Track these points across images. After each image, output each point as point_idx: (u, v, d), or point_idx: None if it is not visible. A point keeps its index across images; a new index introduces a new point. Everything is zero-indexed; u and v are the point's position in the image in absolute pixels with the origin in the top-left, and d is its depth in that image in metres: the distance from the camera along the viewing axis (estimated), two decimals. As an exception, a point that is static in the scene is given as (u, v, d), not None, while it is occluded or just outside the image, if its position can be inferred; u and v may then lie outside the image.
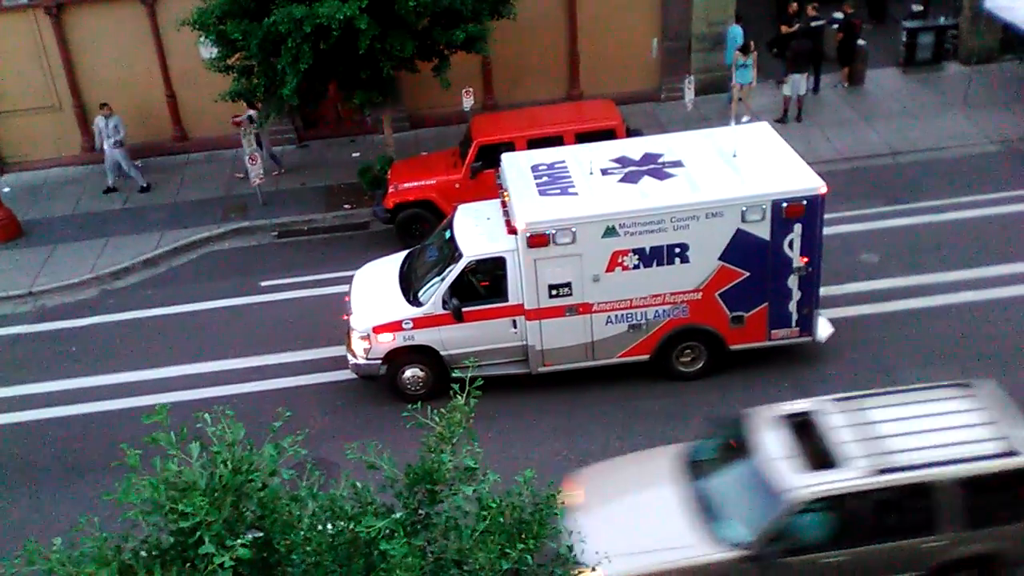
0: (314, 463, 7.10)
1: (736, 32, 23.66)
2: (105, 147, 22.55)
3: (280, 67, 18.28)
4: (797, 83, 22.93)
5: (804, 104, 23.31)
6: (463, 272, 14.77)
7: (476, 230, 15.24)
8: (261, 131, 22.34)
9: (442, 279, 14.87)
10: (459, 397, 7.05)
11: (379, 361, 15.22)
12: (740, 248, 14.39)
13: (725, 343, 15.17)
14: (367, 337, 15.08)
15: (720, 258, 14.47)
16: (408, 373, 15.31)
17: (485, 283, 14.98)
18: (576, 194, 14.65)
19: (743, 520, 10.86)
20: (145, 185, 22.93)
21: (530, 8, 21.88)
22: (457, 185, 19.10)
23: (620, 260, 14.41)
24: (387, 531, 6.45)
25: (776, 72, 24.24)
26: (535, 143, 18.04)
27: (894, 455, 10.78)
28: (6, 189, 23.43)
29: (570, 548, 7.15)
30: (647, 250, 14.36)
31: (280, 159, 23.24)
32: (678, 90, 23.80)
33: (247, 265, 20.06)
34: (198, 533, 5.90)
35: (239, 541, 5.81)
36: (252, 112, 21.87)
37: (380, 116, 21.99)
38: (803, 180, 14.47)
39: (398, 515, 6.66)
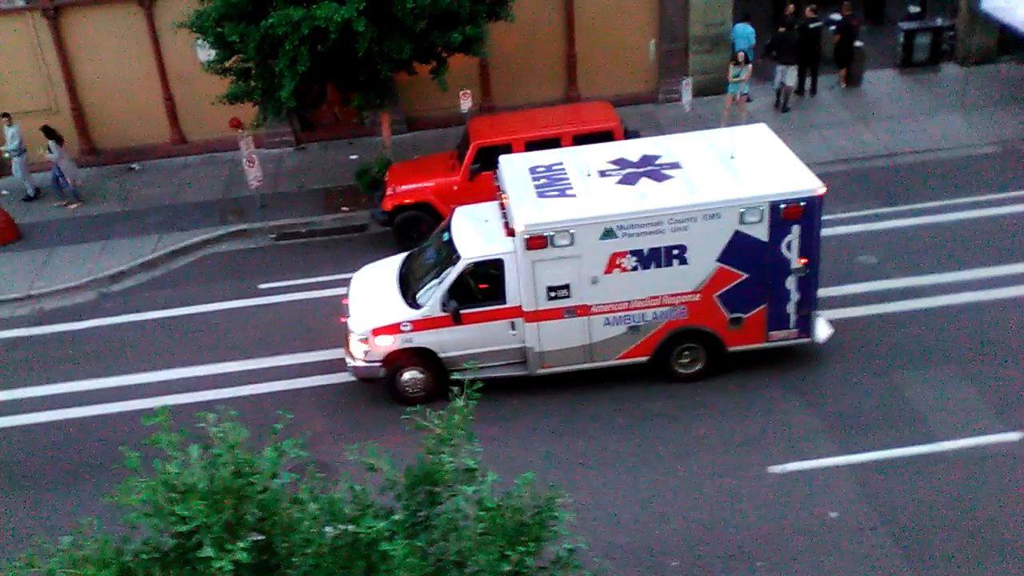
0: (314, 466, 7.09)
1: (747, 32, 23.63)
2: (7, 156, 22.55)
3: (278, 69, 18.28)
4: (784, 74, 23.42)
5: (791, 97, 23.80)
6: (461, 274, 14.76)
7: (474, 232, 15.24)
8: (60, 159, 22.23)
9: (440, 281, 14.86)
10: (458, 399, 7.03)
11: (378, 363, 15.20)
12: (738, 249, 14.38)
13: (724, 344, 15.16)
14: (366, 339, 15.07)
15: (718, 259, 14.47)
16: (407, 375, 15.29)
17: (483, 285, 14.97)
18: (574, 196, 14.65)
19: None
20: (32, 195, 22.99)
21: (528, 10, 21.89)
22: (455, 187, 19.09)
23: (618, 262, 14.41)
24: (387, 533, 6.44)
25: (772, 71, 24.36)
26: (533, 145, 18.05)
27: None
28: (4, 192, 23.40)
29: (570, 551, 7.13)
30: (645, 252, 14.36)
31: (79, 194, 22.78)
32: (676, 92, 23.84)
33: (245, 268, 20.04)
34: (195, 536, 5.89)
35: (239, 545, 5.80)
36: (52, 142, 21.89)
37: (378, 118, 22.00)
38: (801, 181, 14.47)
39: (398, 516, 6.65)
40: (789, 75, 23.54)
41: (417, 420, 7.11)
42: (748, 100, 23.07)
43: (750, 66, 22.53)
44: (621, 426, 14.73)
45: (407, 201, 19.42)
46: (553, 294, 14.57)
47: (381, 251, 18.28)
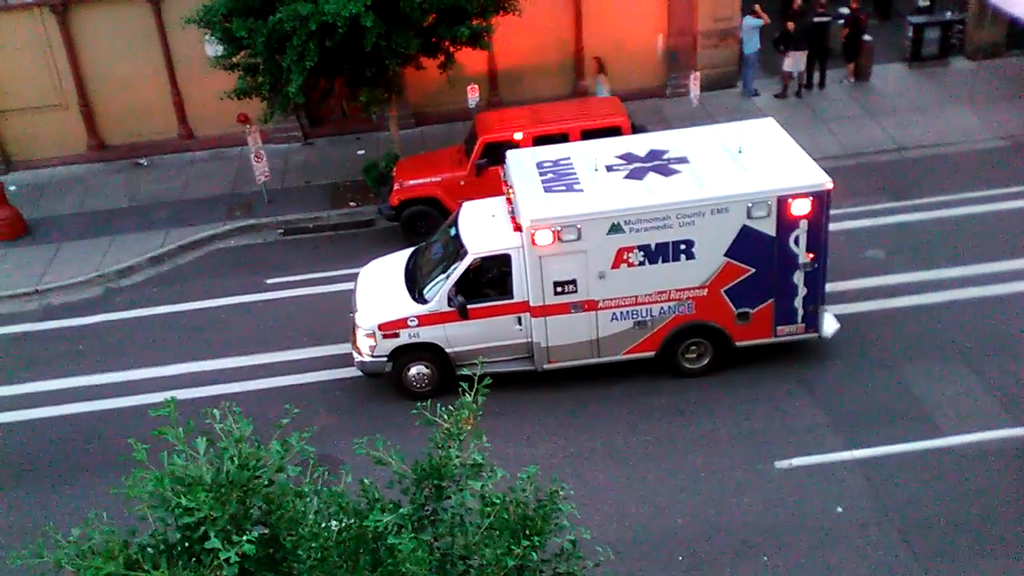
0: (320, 460, 7.11)
1: (756, 23, 23.58)
2: None
3: (285, 65, 18.30)
4: (798, 60, 23.65)
5: (803, 88, 24.19)
6: (468, 269, 14.77)
7: (481, 227, 15.24)
8: None
9: (447, 276, 14.88)
10: (467, 395, 7.05)
11: (384, 358, 15.22)
12: (746, 244, 14.37)
13: (731, 340, 15.15)
14: (372, 334, 15.09)
15: (726, 254, 14.45)
16: (413, 370, 15.32)
17: (490, 280, 14.97)
18: (581, 191, 14.65)
19: None
20: None
21: (535, 4, 21.86)
22: (462, 182, 19.09)
23: (625, 257, 14.40)
24: (394, 526, 6.45)
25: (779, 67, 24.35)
26: (540, 140, 18.05)
27: None
28: (12, 187, 23.46)
29: (573, 543, 7.14)
30: (652, 247, 14.35)
31: None
32: (683, 86, 23.81)
33: (253, 263, 20.08)
34: (203, 528, 5.91)
35: (245, 537, 5.82)
36: None
37: (385, 113, 22.01)
38: (809, 176, 14.45)
39: (405, 510, 6.66)
40: (800, 61, 23.76)
41: (426, 415, 7.13)
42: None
43: (604, 76, 22.70)
44: (627, 421, 14.73)
45: (414, 196, 19.42)
46: (560, 289, 14.57)
47: (388, 246, 18.31)
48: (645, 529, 12.84)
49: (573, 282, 14.54)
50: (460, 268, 14.76)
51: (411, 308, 15.06)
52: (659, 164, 15.05)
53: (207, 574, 5.95)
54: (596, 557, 7.33)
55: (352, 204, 21.61)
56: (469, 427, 6.95)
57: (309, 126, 24.67)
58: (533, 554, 6.66)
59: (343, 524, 6.57)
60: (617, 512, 13.04)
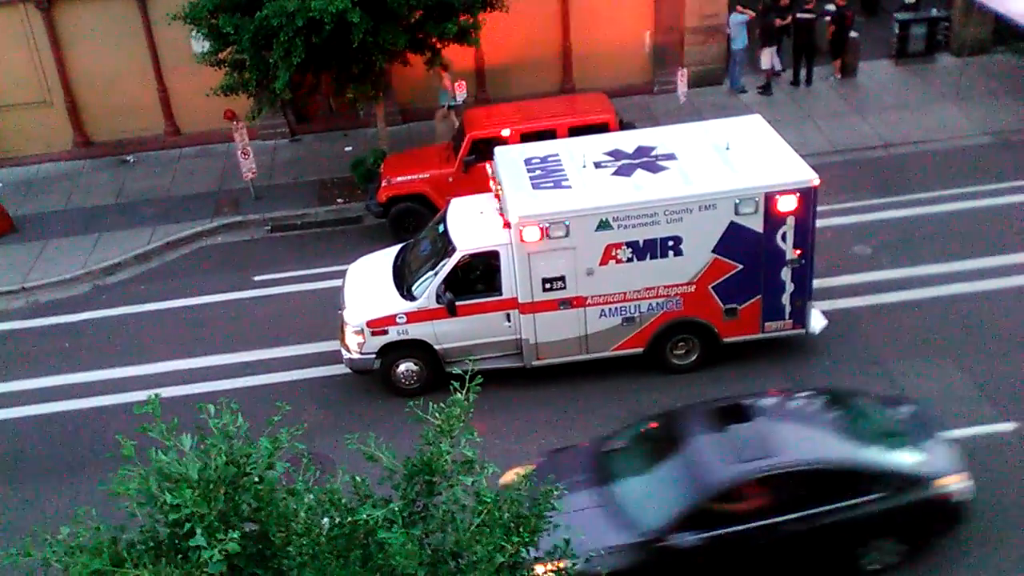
0: (310, 457, 7.10)
1: (742, 18, 23.63)
2: None
3: (272, 61, 18.26)
4: (762, 56, 23.97)
5: (772, 79, 24.35)
6: (456, 266, 14.75)
7: (469, 224, 15.22)
8: None
9: (436, 273, 14.86)
10: (459, 393, 7.05)
11: (373, 355, 15.20)
12: (733, 241, 14.40)
13: (719, 336, 15.18)
14: (361, 331, 15.06)
15: (713, 251, 14.48)
16: (402, 367, 15.30)
17: (479, 277, 14.96)
18: (569, 187, 14.65)
19: None
20: None
21: (523, 1, 21.83)
22: (450, 179, 19.07)
23: (614, 253, 14.41)
24: (385, 521, 6.45)
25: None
26: (528, 137, 18.05)
27: None
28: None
29: (567, 542, 7.15)
30: (640, 243, 14.37)
31: None
32: (671, 83, 23.83)
33: (240, 260, 20.01)
34: (188, 525, 5.89)
35: (231, 535, 5.80)
36: None
37: (373, 110, 21.97)
38: (796, 172, 14.49)
39: (395, 505, 6.66)
40: (765, 58, 24.00)
41: (417, 412, 7.13)
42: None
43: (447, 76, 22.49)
44: (616, 417, 14.70)
45: (402, 193, 19.39)
46: (548, 286, 14.57)
47: (376, 243, 18.27)
48: (634, 525, 12.82)
49: (562, 279, 14.55)
50: (448, 265, 14.75)
51: (400, 305, 15.04)
52: (647, 161, 15.06)
53: (193, 571, 5.94)
54: (585, 554, 7.35)
55: (340, 201, 21.56)
56: (462, 423, 6.95)
57: (296, 122, 24.60)
58: (523, 551, 6.67)
59: (334, 521, 6.57)
60: (606, 508, 13.03)
